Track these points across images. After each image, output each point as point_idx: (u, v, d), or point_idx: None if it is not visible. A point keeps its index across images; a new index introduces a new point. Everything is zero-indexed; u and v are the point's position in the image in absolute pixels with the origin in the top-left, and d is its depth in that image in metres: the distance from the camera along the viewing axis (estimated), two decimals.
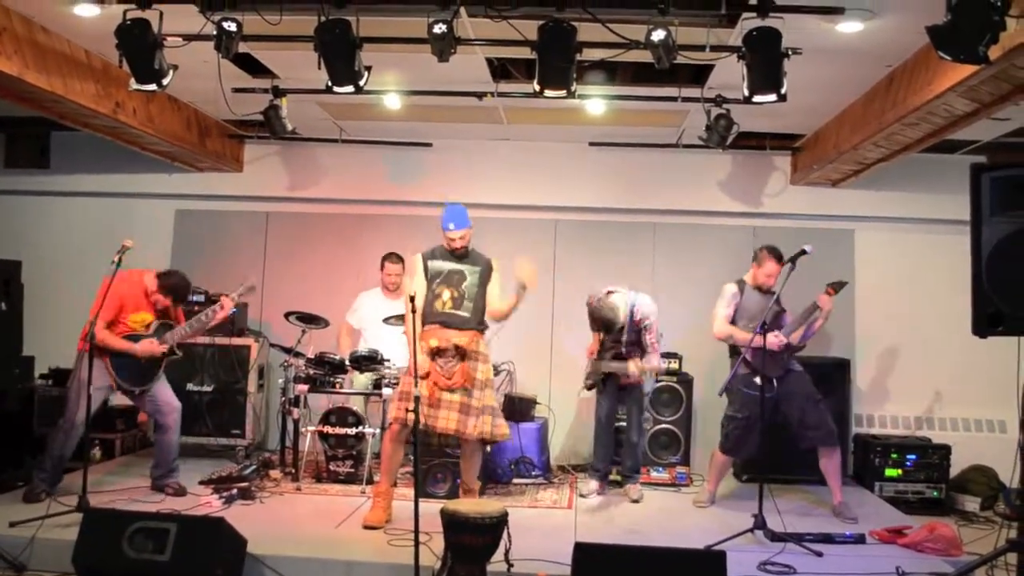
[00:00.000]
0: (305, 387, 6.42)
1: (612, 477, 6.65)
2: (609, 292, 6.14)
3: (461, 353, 5.33)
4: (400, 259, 7.07)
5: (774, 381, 5.85)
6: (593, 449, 6.56)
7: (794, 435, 6.05)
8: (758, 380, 5.61)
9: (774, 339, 5.81)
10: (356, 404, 6.62)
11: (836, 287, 5.92)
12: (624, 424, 6.48)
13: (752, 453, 6.11)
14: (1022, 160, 4.89)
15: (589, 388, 6.42)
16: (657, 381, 6.84)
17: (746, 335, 5.71)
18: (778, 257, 5.93)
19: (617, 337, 6.16)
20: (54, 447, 5.57)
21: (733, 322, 6.00)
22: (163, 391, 5.91)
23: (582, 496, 6.24)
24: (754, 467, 6.73)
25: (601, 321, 6.08)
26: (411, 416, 4.63)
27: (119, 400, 6.63)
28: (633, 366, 6.05)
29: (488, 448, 6.45)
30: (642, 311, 6.10)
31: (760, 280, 6.00)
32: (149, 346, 5.75)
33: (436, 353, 5.32)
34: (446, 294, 5.38)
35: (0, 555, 4.54)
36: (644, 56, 4.62)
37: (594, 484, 6.38)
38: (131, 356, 5.70)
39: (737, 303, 6.04)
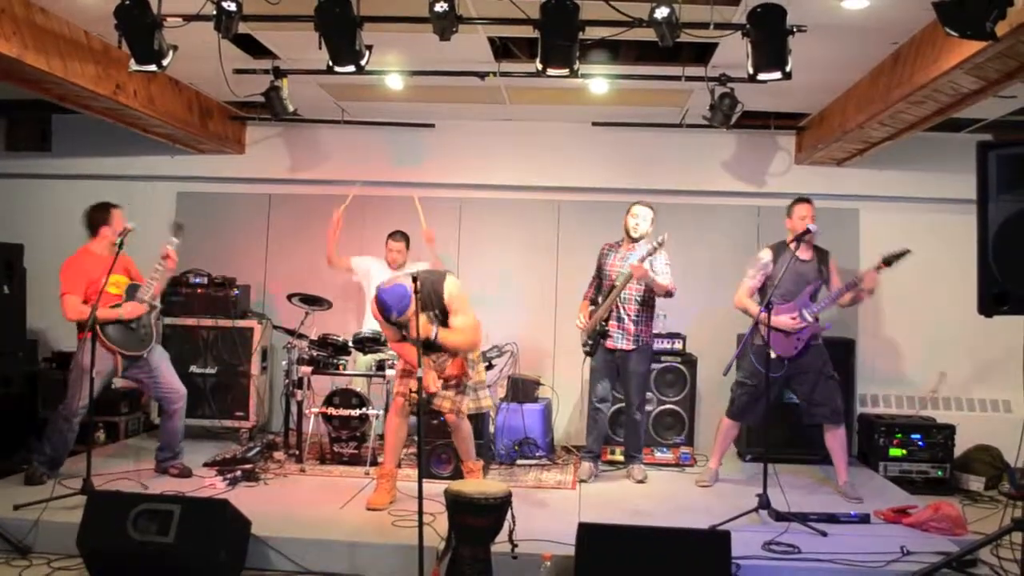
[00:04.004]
0: (308, 369, 6.42)
1: (615, 457, 6.65)
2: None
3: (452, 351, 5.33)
4: (403, 237, 7.08)
5: (785, 361, 5.83)
6: (586, 430, 6.49)
7: (801, 410, 6.06)
8: (772, 354, 5.60)
9: (789, 320, 5.78)
10: (359, 385, 6.62)
11: (890, 260, 5.62)
12: (624, 404, 6.45)
13: (757, 422, 6.11)
14: None
15: (590, 352, 6.25)
16: (659, 362, 6.84)
17: (761, 316, 5.53)
18: (805, 199, 5.92)
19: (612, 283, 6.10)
20: (53, 435, 5.57)
21: (764, 291, 5.79)
22: (169, 376, 5.90)
23: (583, 481, 6.22)
24: (759, 446, 6.74)
25: (636, 204, 6.12)
26: (413, 394, 4.72)
27: (123, 384, 6.64)
28: (635, 261, 5.88)
29: (492, 428, 6.48)
30: (659, 256, 6.03)
31: (798, 227, 5.82)
32: (133, 308, 5.69)
33: (428, 346, 5.25)
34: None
35: (5, 538, 4.56)
36: (648, 34, 4.57)
37: (589, 466, 6.34)
38: (122, 324, 5.65)
39: (767, 272, 5.89)
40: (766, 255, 5.98)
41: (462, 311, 5.19)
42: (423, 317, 4.90)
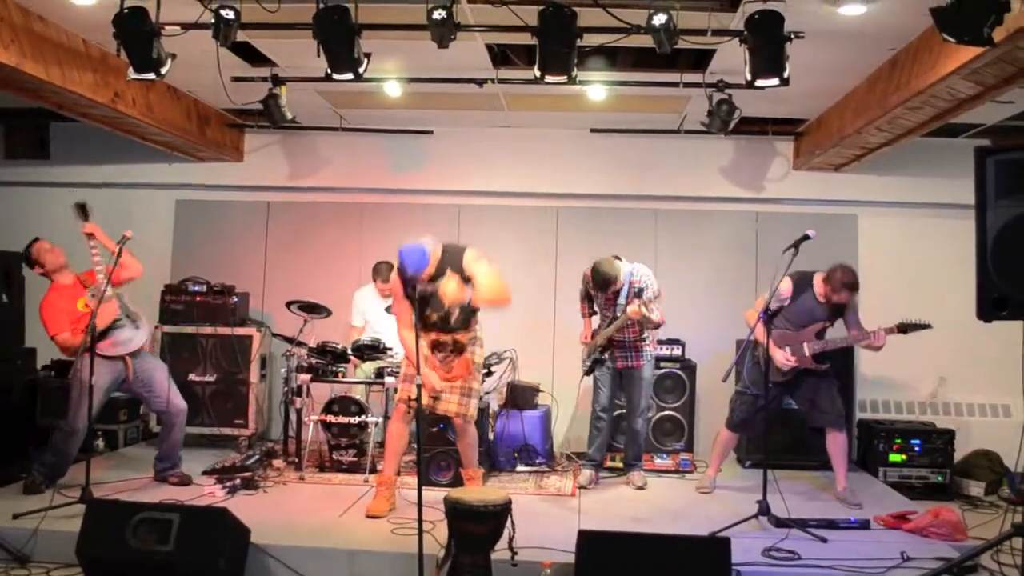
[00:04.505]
0: (307, 376, 6.41)
1: (614, 464, 6.64)
2: (615, 257, 6.07)
3: (459, 347, 5.36)
4: (390, 271, 7.02)
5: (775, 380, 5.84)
6: (588, 438, 6.50)
7: (804, 413, 6.07)
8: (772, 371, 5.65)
9: (782, 356, 5.76)
10: (359, 393, 6.61)
11: (906, 329, 5.57)
12: (624, 411, 6.46)
13: (755, 433, 6.08)
14: None
15: (588, 372, 6.36)
16: (659, 369, 6.83)
17: (761, 334, 5.50)
18: (851, 287, 5.66)
19: (612, 309, 6.11)
20: (56, 449, 5.55)
21: (774, 317, 5.65)
22: (167, 391, 5.85)
23: (583, 488, 6.21)
24: (758, 452, 6.73)
25: (600, 275, 5.96)
26: (414, 401, 4.67)
27: (125, 386, 6.62)
28: (632, 305, 5.87)
29: (491, 435, 6.47)
30: (641, 276, 6.03)
31: (829, 296, 5.72)
32: (104, 310, 5.47)
33: (435, 346, 5.36)
34: (435, 316, 5.31)
35: (4, 547, 4.55)
36: (645, 41, 4.57)
37: (590, 473, 6.34)
38: (111, 328, 5.60)
39: (784, 305, 5.77)
40: (786, 288, 5.77)
41: (483, 265, 5.19)
42: (455, 280, 5.03)
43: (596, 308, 6.36)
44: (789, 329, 5.84)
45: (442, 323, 5.31)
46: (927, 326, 5.57)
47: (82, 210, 5.61)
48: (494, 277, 5.17)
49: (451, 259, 5.19)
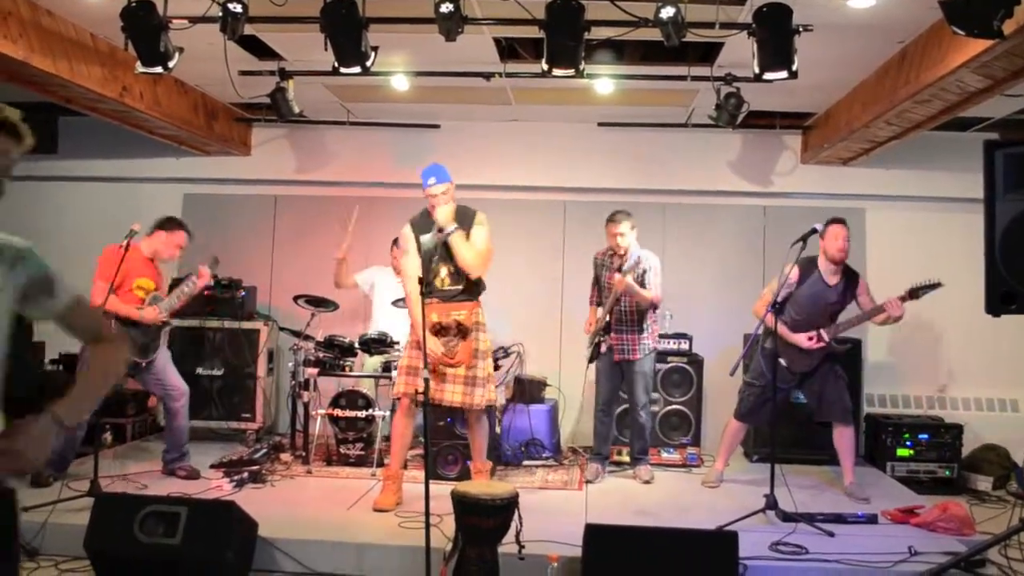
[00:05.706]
0: (315, 370, 6.42)
1: (621, 458, 6.65)
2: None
3: (463, 331, 5.35)
4: None
5: (794, 372, 5.83)
6: (593, 434, 6.53)
7: (811, 408, 6.06)
8: (783, 361, 5.63)
9: (805, 338, 5.74)
10: (366, 387, 6.62)
11: (917, 293, 5.45)
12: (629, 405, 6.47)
13: (762, 423, 6.09)
14: None
15: (591, 359, 6.36)
16: (666, 363, 6.81)
17: (769, 320, 5.50)
18: (840, 220, 5.71)
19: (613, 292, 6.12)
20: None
21: (784, 307, 5.60)
22: (170, 374, 5.91)
23: (589, 482, 6.21)
24: (766, 446, 6.72)
25: (615, 212, 6.14)
26: (419, 390, 4.70)
27: (130, 385, 6.63)
28: (616, 276, 5.97)
29: (498, 429, 6.48)
30: (649, 260, 6.08)
31: (832, 253, 5.67)
32: (151, 313, 5.73)
33: (438, 331, 5.33)
34: (443, 271, 5.37)
35: None
36: (653, 34, 4.58)
37: (596, 467, 6.36)
38: (134, 326, 5.66)
39: (792, 291, 5.70)
40: (793, 273, 5.69)
41: (482, 230, 5.48)
42: (447, 209, 5.32)
43: (600, 310, 6.35)
44: (803, 319, 5.80)
45: (452, 280, 5.35)
46: (938, 285, 5.42)
47: (216, 263, 6.21)
48: (481, 243, 5.43)
49: (464, 216, 5.43)
